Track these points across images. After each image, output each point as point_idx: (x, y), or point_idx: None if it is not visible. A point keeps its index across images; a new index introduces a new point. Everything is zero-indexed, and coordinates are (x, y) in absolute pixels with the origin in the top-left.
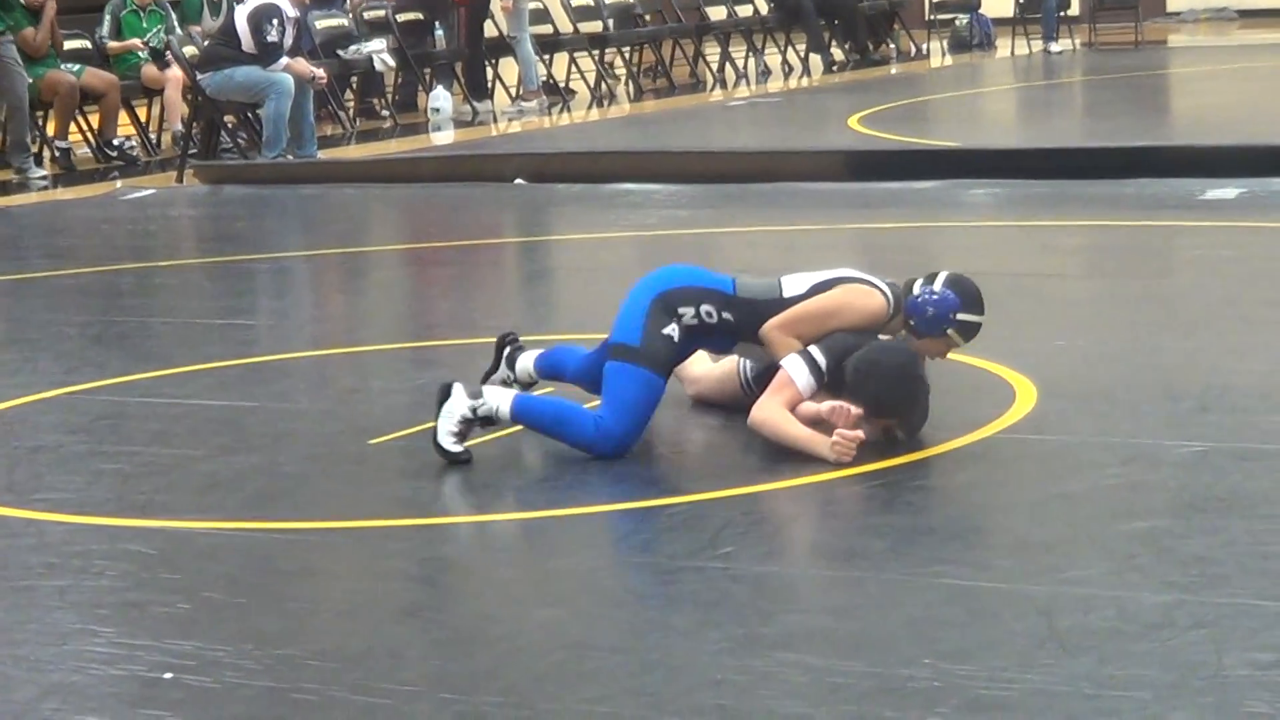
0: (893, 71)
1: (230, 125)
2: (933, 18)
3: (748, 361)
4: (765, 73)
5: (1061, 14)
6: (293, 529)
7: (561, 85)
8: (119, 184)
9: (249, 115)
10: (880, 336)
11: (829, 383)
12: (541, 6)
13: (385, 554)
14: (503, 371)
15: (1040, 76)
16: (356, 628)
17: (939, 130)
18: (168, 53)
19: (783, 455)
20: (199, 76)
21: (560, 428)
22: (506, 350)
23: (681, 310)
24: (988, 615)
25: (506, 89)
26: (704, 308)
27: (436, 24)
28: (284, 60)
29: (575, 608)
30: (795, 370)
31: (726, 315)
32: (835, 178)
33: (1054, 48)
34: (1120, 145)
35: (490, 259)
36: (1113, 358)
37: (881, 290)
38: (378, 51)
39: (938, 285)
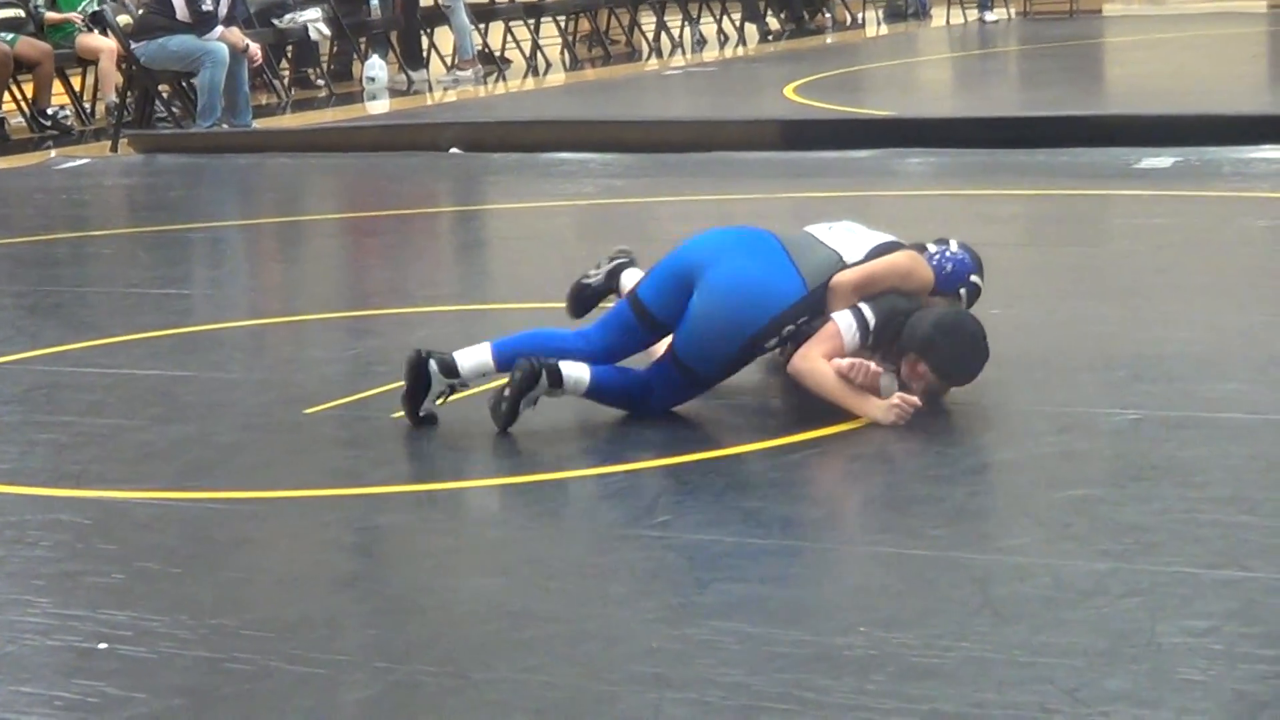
0: (828, 41)
1: (165, 94)
2: None
3: None
4: (701, 42)
5: None
6: (228, 499)
7: (497, 54)
8: (53, 153)
9: (184, 84)
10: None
11: (872, 344)
12: None
13: (321, 524)
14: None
15: (975, 46)
16: (292, 597)
17: (874, 99)
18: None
19: (718, 423)
20: (133, 45)
21: (634, 405)
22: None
23: (767, 345)
24: (923, 584)
25: (442, 58)
26: (786, 330)
27: None
28: (219, 29)
29: (511, 577)
30: (845, 325)
31: (803, 323)
32: (770, 147)
33: (989, 17)
34: (1055, 114)
35: (426, 228)
36: (1048, 326)
37: (907, 246)
38: (313, 20)
39: (953, 247)
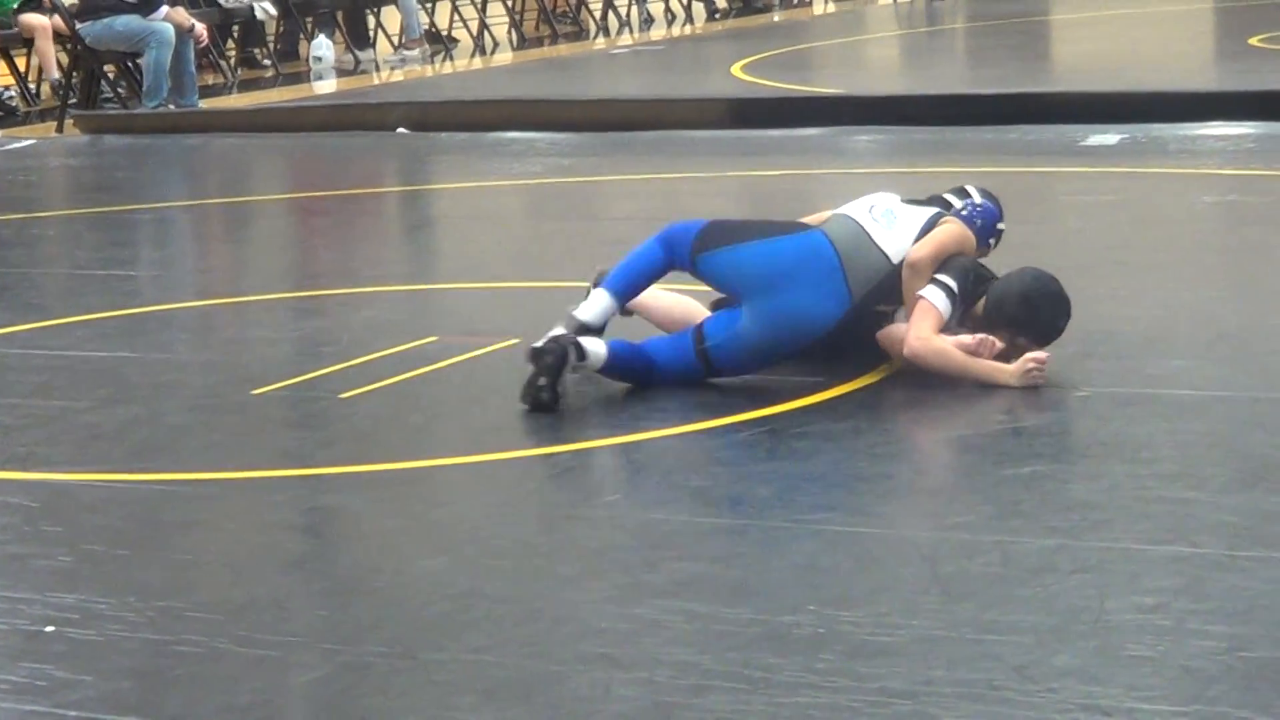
0: (775, 19)
1: (111, 75)
2: None
3: None
4: (648, 20)
5: None
6: (175, 480)
7: (444, 33)
8: None
9: (129, 65)
10: None
11: (960, 309)
12: None
13: (269, 505)
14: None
15: (923, 23)
16: (240, 579)
17: (822, 77)
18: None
19: (666, 402)
20: (79, 25)
21: (639, 378)
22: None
23: (791, 355)
24: (872, 561)
25: (389, 37)
26: (829, 334)
27: None
28: (164, 9)
29: (460, 557)
30: (938, 300)
31: (848, 329)
32: (718, 125)
33: None
34: (1002, 92)
35: (373, 208)
36: None
37: (945, 215)
38: (259, 0)
39: (978, 197)
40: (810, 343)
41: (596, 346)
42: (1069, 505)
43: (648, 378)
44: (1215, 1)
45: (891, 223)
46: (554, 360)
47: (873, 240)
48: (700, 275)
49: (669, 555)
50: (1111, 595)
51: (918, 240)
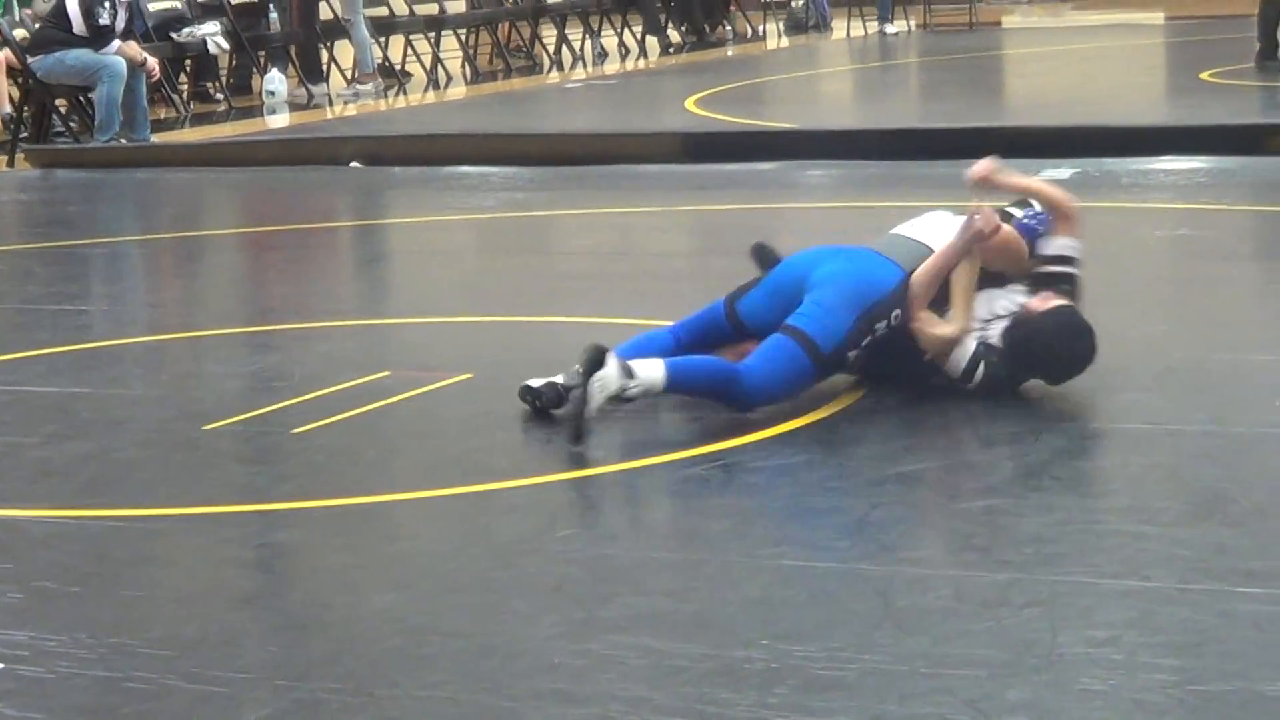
0: (729, 53)
1: (62, 109)
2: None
3: None
4: (602, 55)
5: None
6: (127, 516)
7: (397, 68)
8: None
9: (81, 99)
10: None
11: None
12: None
13: (220, 540)
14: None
15: (876, 58)
16: (191, 615)
17: (775, 112)
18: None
19: (621, 437)
20: (30, 60)
21: (712, 388)
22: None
23: (878, 325)
24: (825, 596)
25: (342, 72)
26: (895, 313)
27: (270, 6)
28: (116, 43)
29: (413, 592)
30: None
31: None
32: (672, 159)
33: (889, 29)
34: (955, 126)
35: (326, 243)
36: None
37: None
38: (211, 34)
39: (1038, 206)
40: (882, 297)
41: (651, 369)
42: (1021, 539)
43: (727, 386)
44: (1167, 37)
45: (930, 224)
46: (592, 355)
47: (909, 237)
48: (744, 317)
49: (623, 590)
50: (1064, 629)
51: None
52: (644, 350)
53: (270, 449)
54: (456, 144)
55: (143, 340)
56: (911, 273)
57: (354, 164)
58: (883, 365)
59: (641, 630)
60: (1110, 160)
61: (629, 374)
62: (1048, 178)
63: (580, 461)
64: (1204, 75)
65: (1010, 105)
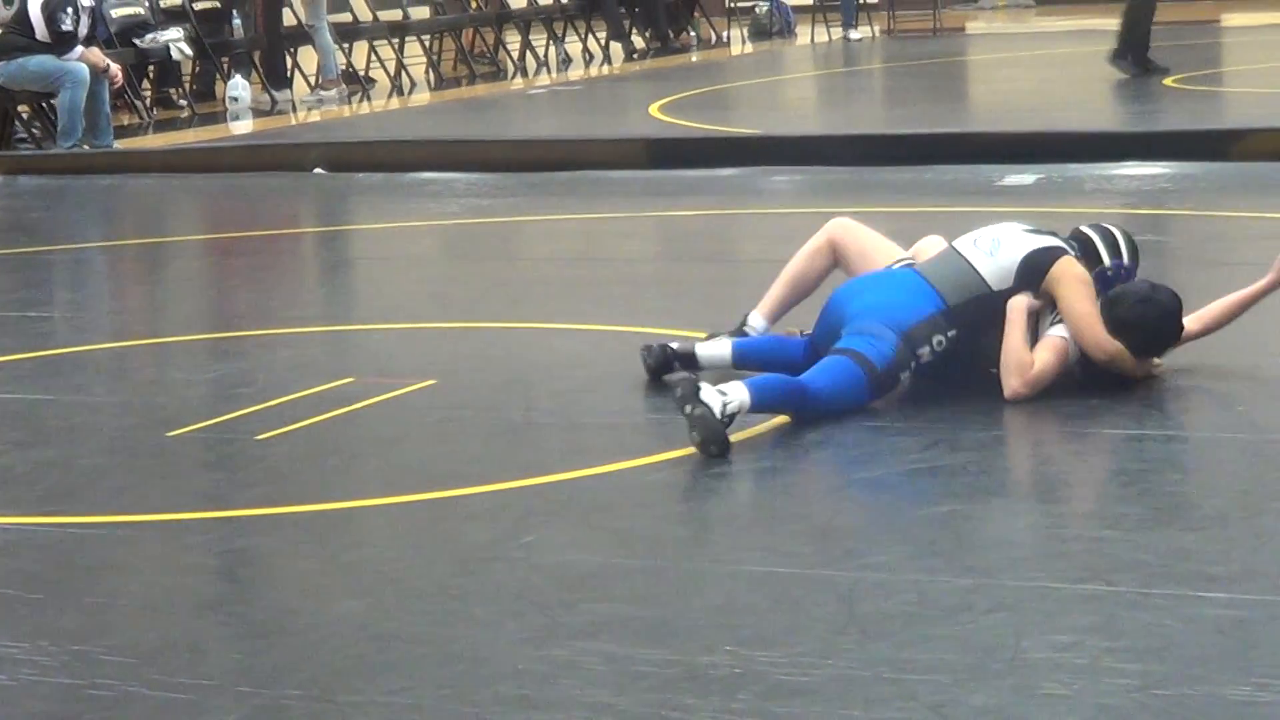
0: (693, 59)
1: (25, 115)
2: (733, 5)
3: None
4: (566, 61)
5: (861, 1)
6: (90, 523)
7: (361, 74)
8: None
9: (44, 105)
10: None
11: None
12: None
13: (184, 547)
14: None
15: (840, 64)
16: (155, 622)
17: (740, 118)
18: None
19: (584, 443)
20: None
21: (788, 403)
22: (675, 361)
23: (920, 350)
24: (789, 602)
25: (305, 78)
26: (936, 339)
27: (234, 12)
28: (79, 49)
29: (377, 599)
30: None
31: (952, 335)
32: (636, 165)
33: (853, 35)
34: (919, 132)
35: (290, 249)
36: None
37: (1067, 250)
38: (174, 40)
39: (1125, 255)
40: (921, 321)
41: (738, 391)
42: (985, 544)
43: (801, 399)
44: None
45: (995, 250)
46: (688, 387)
47: (970, 264)
48: (817, 346)
49: (586, 596)
50: (1027, 634)
51: (1022, 268)
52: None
53: (234, 456)
54: (420, 150)
55: (106, 347)
56: (951, 303)
57: (318, 170)
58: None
59: (605, 636)
60: (1074, 166)
61: (722, 393)
62: (1011, 182)
63: (543, 467)
64: (1167, 81)
65: (974, 111)
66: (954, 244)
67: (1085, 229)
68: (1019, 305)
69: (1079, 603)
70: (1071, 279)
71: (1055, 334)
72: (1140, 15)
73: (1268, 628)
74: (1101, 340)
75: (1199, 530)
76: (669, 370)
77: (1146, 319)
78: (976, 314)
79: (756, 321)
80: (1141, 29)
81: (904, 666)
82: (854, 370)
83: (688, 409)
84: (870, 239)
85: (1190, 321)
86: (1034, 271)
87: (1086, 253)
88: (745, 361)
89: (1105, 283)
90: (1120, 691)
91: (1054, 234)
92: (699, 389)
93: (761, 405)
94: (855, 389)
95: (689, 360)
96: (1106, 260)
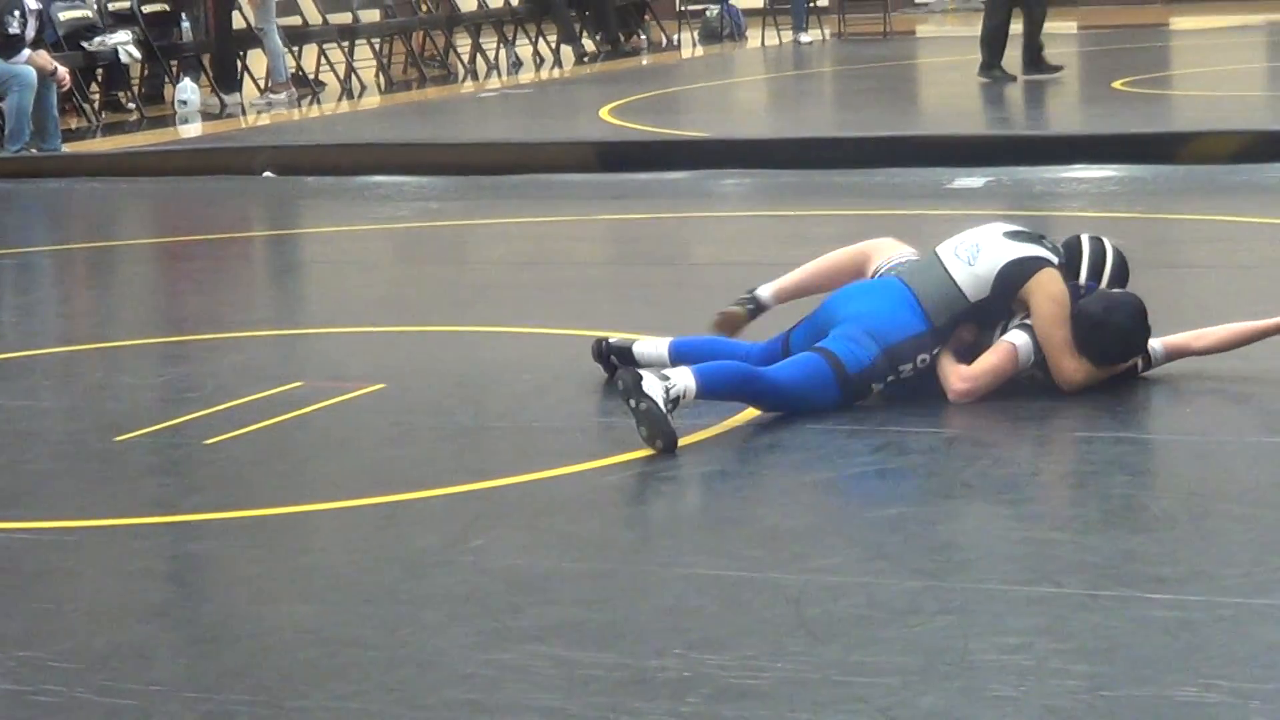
0: (644, 62)
1: None
2: (683, 8)
3: None
4: (516, 64)
5: (811, 5)
6: (37, 529)
7: (311, 77)
8: None
9: None
10: None
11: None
12: None
13: (132, 552)
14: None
15: (791, 67)
16: (102, 628)
17: (690, 121)
18: None
19: (534, 447)
20: None
21: (738, 389)
22: (610, 356)
23: (902, 367)
24: (738, 604)
25: (255, 81)
26: (920, 357)
27: (182, 15)
28: (26, 53)
29: (325, 604)
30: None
31: (935, 352)
32: (587, 169)
33: (804, 38)
34: (869, 135)
35: (239, 253)
36: None
37: (1050, 260)
38: (123, 43)
39: (1105, 278)
40: (905, 340)
41: (683, 376)
42: (934, 547)
43: (754, 394)
44: (1080, 46)
45: (974, 259)
46: (630, 379)
47: (949, 275)
48: (791, 348)
49: (534, 600)
50: (975, 636)
51: (999, 279)
52: (699, 352)
53: (182, 460)
54: (370, 153)
55: (54, 351)
56: (937, 324)
57: (267, 174)
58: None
59: (554, 640)
60: (1023, 169)
61: (665, 378)
62: (960, 185)
63: (492, 472)
64: (1116, 84)
65: (924, 114)
66: (937, 250)
67: (1084, 240)
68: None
69: (1027, 605)
70: (1046, 297)
71: (1009, 339)
72: (999, 23)
73: (1214, 629)
74: (1067, 373)
75: (1147, 532)
76: (611, 365)
77: (1110, 328)
78: (955, 327)
79: (764, 294)
80: (1001, 36)
81: (853, 669)
82: (823, 368)
83: (632, 403)
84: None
85: (1191, 338)
86: (1011, 282)
87: (1071, 262)
88: (683, 359)
89: (1077, 298)
90: (1068, 693)
91: (1040, 238)
92: (641, 380)
93: (709, 391)
94: (822, 387)
95: (625, 356)
96: (1082, 279)
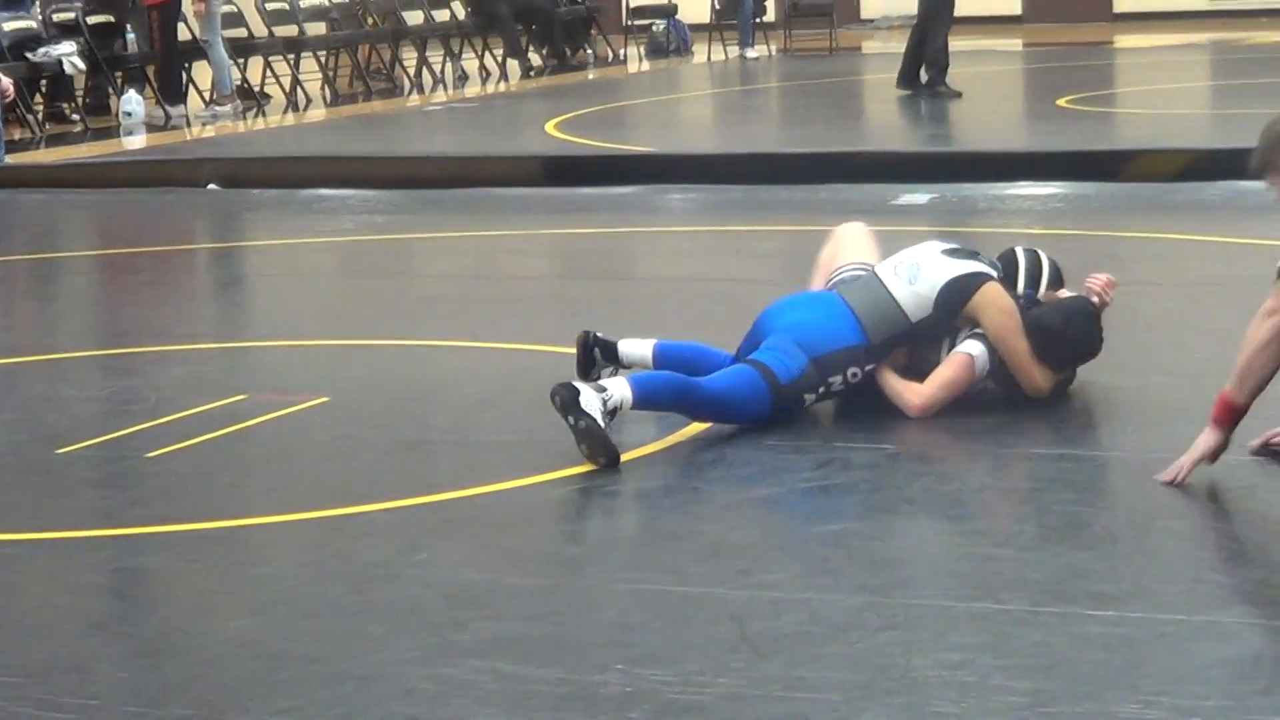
0: (590, 77)
1: None
2: (630, 23)
3: None
4: (462, 77)
5: (757, 20)
6: None
7: (256, 89)
8: None
9: None
10: None
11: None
12: (235, 9)
13: (73, 565)
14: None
15: (737, 82)
16: (43, 641)
17: (636, 136)
18: None
19: (478, 461)
20: None
21: (675, 400)
22: (595, 349)
23: (831, 379)
24: (681, 620)
25: (200, 93)
26: (850, 370)
27: (127, 27)
28: None
29: (268, 617)
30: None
31: (869, 368)
32: (532, 183)
33: (750, 54)
34: (814, 151)
35: (183, 265)
36: None
37: (990, 275)
38: (67, 54)
39: (1043, 284)
40: (836, 351)
41: (619, 386)
42: (876, 562)
43: (690, 405)
44: (1025, 63)
45: (914, 278)
46: (564, 396)
47: (890, 294)
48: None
49: (478, 615)
50: (918, 652)
51: (941, 297)
52: (683, 359)
53: (125, 473)
54: (315, 166)
55: None
56: (873, 341)
57: (211, 186)
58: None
59: (497, 654)
60: (967, 185)
61: (601, 389)
62: (905, 201)
63: (435, 485)
64: (1061, 101)
65: (870, 130)
66: (877, 269)
67: (1018, 251)
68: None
69: (969, 621)
70: (997, 311)
71: (965, 349)
72: (926, 39)
73: (1155, 646)
74: (1036, 381)
75: (1088, 549)
76: (591, 358)
77: (1068, 338)
78: (894, 347)
79: None
80: (920, 55)
81: (795, 685)
82: (755, 379)
83: (571, 420)
84: (862, 247)
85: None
86: (954, 299)
87: (1009, 273)
88: (665, 363)
89: (1025, 308)
90: (1009, 709)
91: (975, 254)
92: (578, 395)
93: (645, 402)
94: (755, 398)
95: (611, 353)
96: (1020, 288)
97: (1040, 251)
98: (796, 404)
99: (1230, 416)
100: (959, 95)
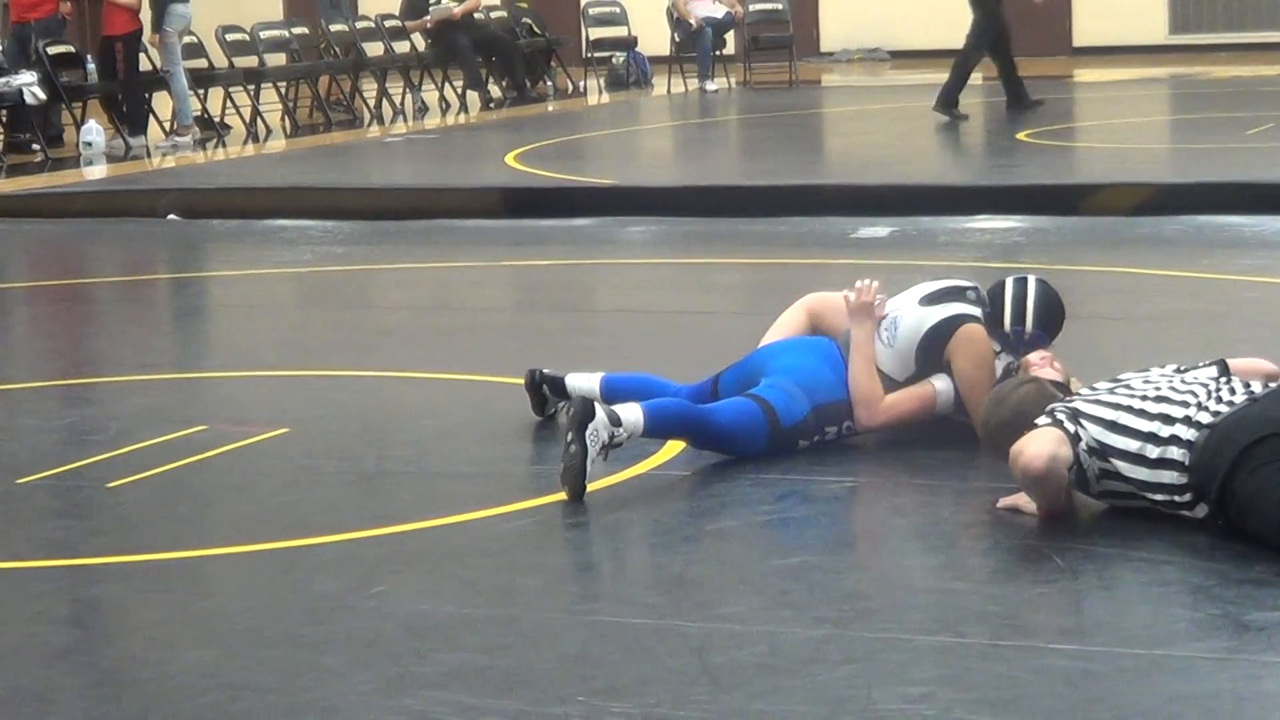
0: (550, 109)
1: None
2: (590, 55)
3: None
4: (423, 109)
5: (717, 53)
6: None
7: (216, 120)
8: None
9: None
10: None
11: None
12: (196, 40)
13: (32, 596)
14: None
15: (696, 115)
16: (2, 671)
17: (595, 168)
18: None
19: (437, 492)
20: None
21: (686, 430)
22: (543, 386)
23: (828, 429)
24: (641, 652)
25: (160, 123)
26: (845, 424)
27: (88, 57)
28: None
29: (227, 649)
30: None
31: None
32: (492, 214)
33: (710, 86)
34: (774, 184)
35: (142, 296)
36: None
37: (970, 316)
38: (28, 84)
39: (1030, 320)
40: (836, 402)
41: (631, 413)
42: (837, 596)
43: (702, 436)
44: (985, 96)
45: (893, 339)
46: (581, 408)
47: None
48: (720, 391)
49: (438, 646)
50: (879, 685)
51: (920, 351)
52: (632, 390)
53: (84, 503)
54: (275, 197)
55: None
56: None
57: (171, 216)
58: None
59: (456, 686)
60: (927, 219)
61: (617, 422)
62: (865, 234)
63: (395, 517)
64: (1021, 135)
65: (829, 163)
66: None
67: (1007, 283)
68: (860, 337)
69: (930, 654)
70: (965, 360)
71: (932, 381)
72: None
73: (1115, 679)
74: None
75: (1049, 582)
76: (541, 395)
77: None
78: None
79: None
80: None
81: (756, 717)
82: (758, 417)
83: (568, 438)
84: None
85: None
86: (934, 348)
87: (995, 308)
88: (614, 396)
89: (1008, 345)
90: None
91: (961, 292)
92: (589, 420)
93: (655, 432)
94: (754, 435)
95: (559, 387)
96: (1007, 324)
97: (1032, 281)
98: (790, 447)
99: None
100: (966, 118)
